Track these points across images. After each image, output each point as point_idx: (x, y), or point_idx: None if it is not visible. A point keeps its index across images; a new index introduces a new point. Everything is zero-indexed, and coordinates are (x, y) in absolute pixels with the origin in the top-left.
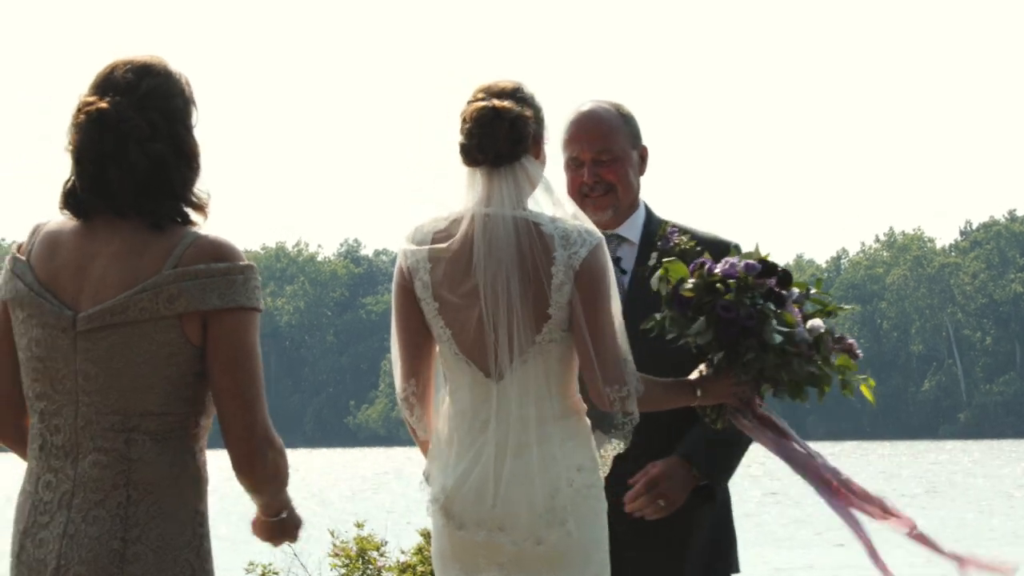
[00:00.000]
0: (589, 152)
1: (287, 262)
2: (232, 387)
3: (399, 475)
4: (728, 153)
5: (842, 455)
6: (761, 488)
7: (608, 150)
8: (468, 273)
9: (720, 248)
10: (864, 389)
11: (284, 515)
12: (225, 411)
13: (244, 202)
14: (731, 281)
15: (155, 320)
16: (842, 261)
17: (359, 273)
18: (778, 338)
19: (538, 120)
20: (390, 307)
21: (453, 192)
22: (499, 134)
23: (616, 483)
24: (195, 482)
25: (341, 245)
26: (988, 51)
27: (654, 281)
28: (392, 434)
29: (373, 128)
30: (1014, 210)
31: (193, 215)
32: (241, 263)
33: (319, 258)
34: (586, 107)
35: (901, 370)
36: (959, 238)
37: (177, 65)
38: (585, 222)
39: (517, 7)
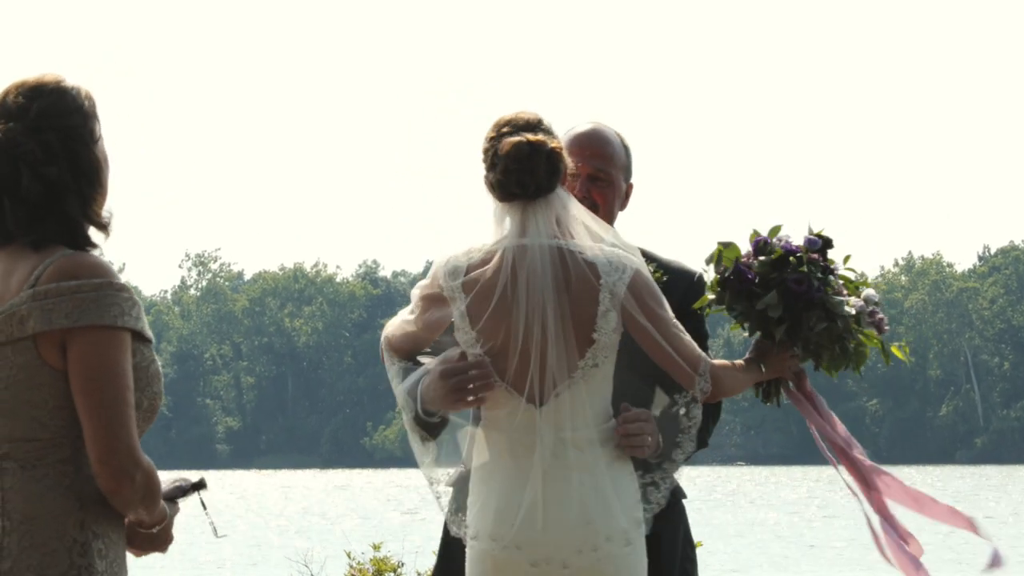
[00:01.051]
0: (587, 168)
1: (305, 283)
2: (89, 409)
3: (416, 496)
4: (747, 177)
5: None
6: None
7: (605, 171)
8: (508, 301)
9: (686, 277)
10: (896, 351)
11: (156, 530)
12: (86, 433)
13: (263, 223)
14: (794, 257)
15: (12, 343)
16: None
17: (377, 294)
18: (847, 309)
19: (564, 150)
20: None
21: (478, 224)
22: (537, 168)
23: None
24: (74, 510)
25: (359, 266)
26: (1009, 79)
27: (711, 258)
28: (408, 455)
29: (392, 151)
30: None
31: (95, 234)
32: (95, 280)
33: (337, 279)
34: (592, 126)
35: (919, 395)
36: (977, 263)
37: (75, 79)
38: (623, 247)
39: (528, 30)
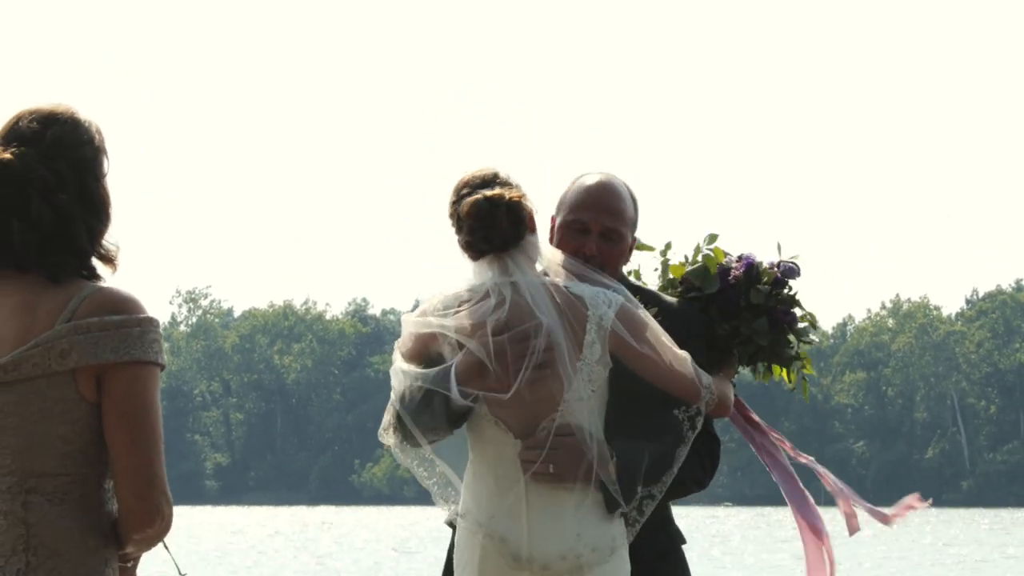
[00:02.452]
0: (599, 225)
1: (295, 320)
2: (128, 443)
3: (408, 535)
4: (734, 216)
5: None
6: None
7: (617, 231)
8: (502, 335)
9: (690, 313)
10: (800, 380)
11: (131, 564)
12: (122, 468)
13: (254, 260)
14: (781, 290)
15: (47, 376)
16: (848, 328)
17: (366, 332)
18: (809, 334)
19: (526, 197)
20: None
21: (462, 271)
22: (500, 222)
23: None
24: (100, 547)
25: (349, 304)
26: (997, 124)
27: (698, 274)
28: (396, 493)
29: (383, 189)
30: (1021, 280)
31: (101, 268)
32: (138, 316)
33: (327, 316)
34: (603, 178)
35: (905, 437)
36: (965, 307)
37: (87, 113)
38: (603, 281)
39: (524, 35)
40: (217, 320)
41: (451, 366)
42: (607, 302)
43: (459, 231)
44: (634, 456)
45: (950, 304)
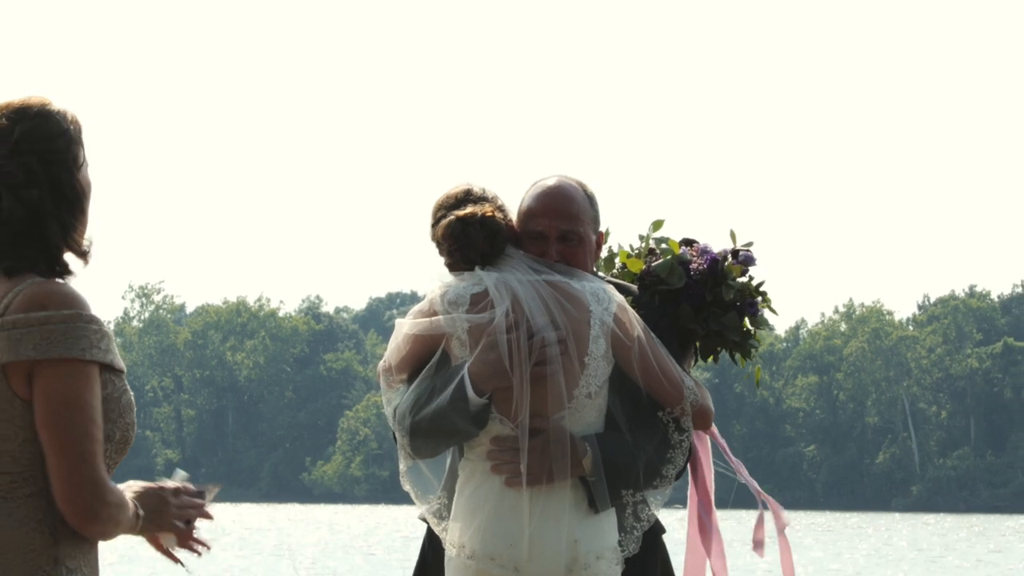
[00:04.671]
0: (556, 230)
1: (248, 317)
2: (55, 443)
3: (368, 532)
4: (689, 219)
5: (793, 523)
6: None
7: (575, 232)
8: (511, 333)
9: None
10: (757, 371)
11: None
12: (51, 468)
13: (207, 256)
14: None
15: None
16: (801, 331)
17: (319, 330)
18: (768, 322)
19: (501, 209)
20: (349, 364)
21: (425, 261)
22: (475, 240)
23: None
24: (48, 545)
25: (302, 301)
26: (949, 129)
27: (664, 268)
28: (347, 491)
29: (336, 186)
30: (974, 285)
31: (74, 262)
32: (65, 311)
33: (280, 314)
34: (553, 182)
35: (856, 441)
36: (917, 312)
37: (62, 104)
38: (598, 282)
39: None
40: (170, 316)
41: (463, 366)
42: (607, 298)
43: (440, 252)
44: (624, 459)
45: (902, 309)
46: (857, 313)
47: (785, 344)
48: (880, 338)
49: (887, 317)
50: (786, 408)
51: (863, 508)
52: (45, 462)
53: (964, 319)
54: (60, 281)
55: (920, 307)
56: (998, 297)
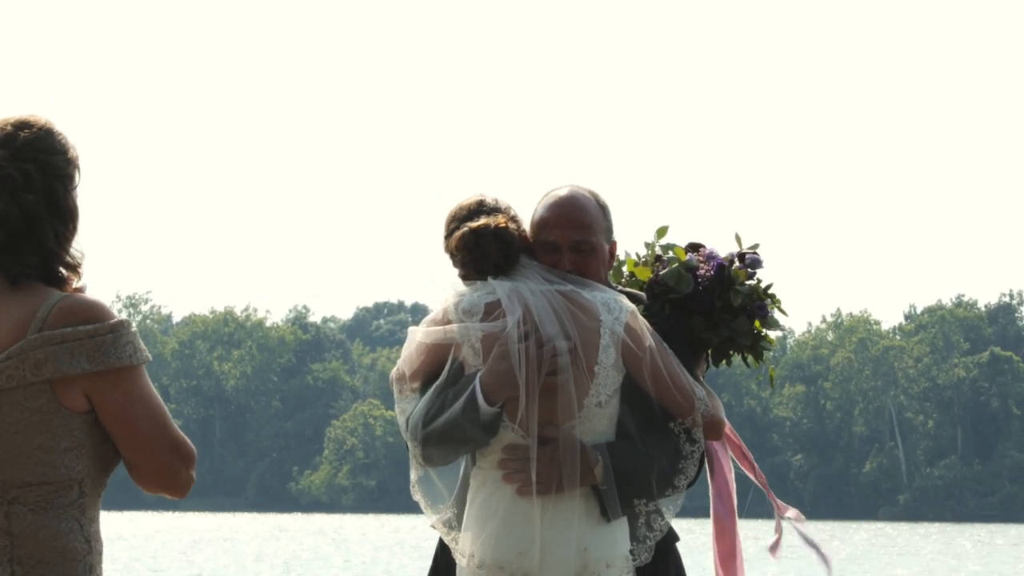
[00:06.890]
0: (568, 240)
1: (235, 327)
2: (132, 443)
3: (357, 542)
4: (683, 227)
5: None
6: None
7: (587, 241)
8: (524, 342)
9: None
10: (772, 371)
11: None
12: (137, 458)
13: (194, 266)
14: (756, 287)
15: (23, 387)
16: (788, 341)
17: (307, 340)
18: (779, 322)
19: (514, 219)
20: (336, 374)
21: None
22: (489, 251)
23: None
24: (84, 554)
25: (290, 311)
26: (937, 140)
27: (672, 276)
28: (334, 500)
29: (323, 196)
30: (961, 295)
31: (65, 275)
32: (109, 322)
33: (267, 323)
34: (565, 192)
35: (843, 451)
36: (904, 321)
37: (63, 127)
38: (610, 292)
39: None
40: (157, 326)
41: (475, 375)
42: (618, 308)
43: (454, 263)
44: (636, 468)
45: (890, 318)
46: (844, 323)
47: (772, 354)
48: (867, 348)
49: (874, 327)
50: (773, 417)
51: (850, 517)
52: (81, 473)
53: (951, 329)
54: (87, 295)
55: (907, 317)
56: (985, 307)
